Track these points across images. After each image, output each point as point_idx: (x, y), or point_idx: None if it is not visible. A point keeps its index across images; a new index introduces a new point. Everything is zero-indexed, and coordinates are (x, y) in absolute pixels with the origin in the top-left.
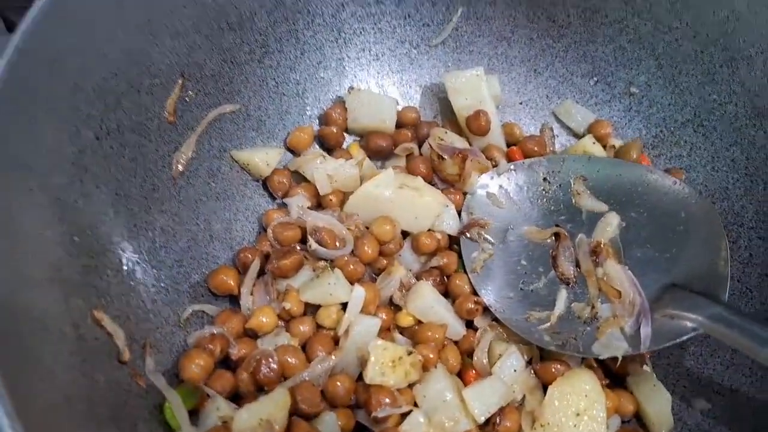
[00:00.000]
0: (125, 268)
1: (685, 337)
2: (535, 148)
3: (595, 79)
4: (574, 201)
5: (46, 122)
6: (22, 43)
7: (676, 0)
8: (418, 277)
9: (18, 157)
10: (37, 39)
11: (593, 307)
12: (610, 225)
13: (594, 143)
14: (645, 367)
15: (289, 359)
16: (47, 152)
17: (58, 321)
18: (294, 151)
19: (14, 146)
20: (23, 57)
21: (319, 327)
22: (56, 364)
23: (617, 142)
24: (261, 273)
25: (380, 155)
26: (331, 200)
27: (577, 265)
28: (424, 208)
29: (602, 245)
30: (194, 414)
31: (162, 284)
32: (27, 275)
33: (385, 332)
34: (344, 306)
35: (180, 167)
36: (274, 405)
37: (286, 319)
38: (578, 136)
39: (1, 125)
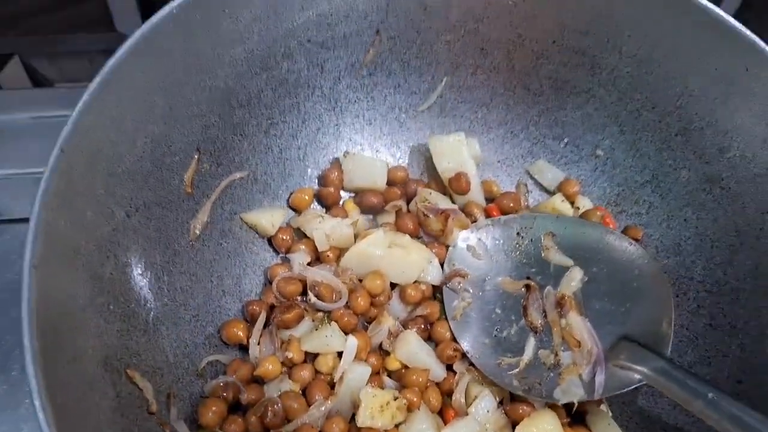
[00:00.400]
0: (151, 327)
1: (632, 387)
2: (511, 204)
3: (565, 141)
4: (543, 255)
5: (87, 208)
6: (63, 142)
7: (638, 74)
8: (404, 325)
9: (66, 241)
10: (77, 136)
11: (556, 354)
12: (575, 279)
13: (563, 201)
14: (602, 406)
15: (291, 404)
16: (88, 235)
17: (101, 383)
18: (296, 210)
19: (64, 233)
20: (65, 154)
21: (317, 373)
22: (101, 421)
23: (584, 202)
24: (266, 323)
25: (372, 211)
26: (328, 256)
27: (545, 314)
28: (410, 264)
29: (566, 297)
30: None
31: (182, 339)
32: (76, 345)
33: (375, 376)
34: (340, 354)
35: (197, 231)
36: None
37: (289, 366)
38: (549, 193)
39: (52, 216)
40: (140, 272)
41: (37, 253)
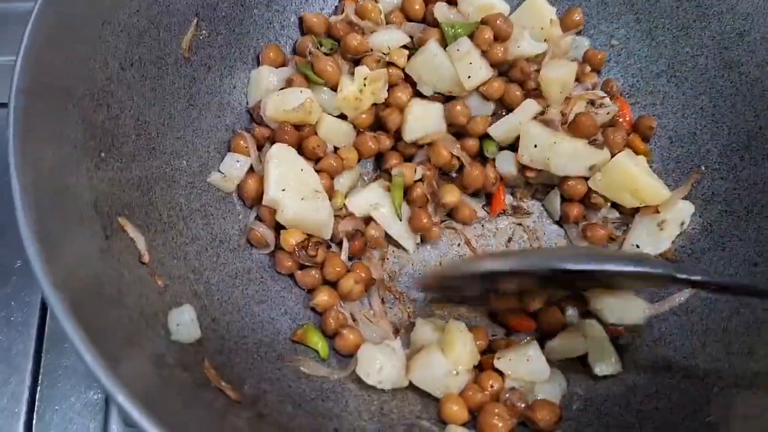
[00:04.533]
0: (144, 184)
1: None
2: None
3: (580, 31)
4: None
5: (79, 51)
6: None
7: None
8: None
9: (56, 79)
10: None
11: None
12: None
13: None
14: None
15: None
16: (80, 78)
17: (90, 222)
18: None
19: (53, 70)
20: None
21: None
22: (90, 254)
23: None
24: None
25: None
26: None
27: None
28: None
29: None
30: None
31: (176, 201)
32: (66, 180)
33: None
34: None
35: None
36: None
37: None
38: None
39: (41, 52)
40: (134, 128)
41: (24, 82)
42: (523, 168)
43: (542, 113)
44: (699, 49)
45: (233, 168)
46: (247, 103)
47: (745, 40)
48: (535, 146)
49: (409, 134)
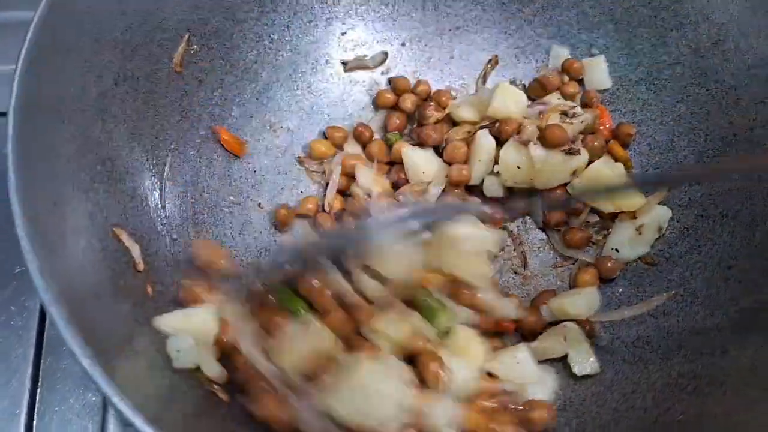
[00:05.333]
0: (139, 195)
1: None
2: None
3: (560, 40)
4: None
5: (74, 67)
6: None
7: None
8: None
9: (51, 95)
10: None
11: None
12: None
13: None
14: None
15: None
16: (75, 93)
17: (86, 233)
18: None
19: (48, 88)
20: (53, 11)
21: None
22: (86, 264)
23: None
24: None
25: None
26: None
27: None
28: None
29: None
30: None
31: (170, 213)
32: (61, 194)
33: None
34: None
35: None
36: None
37: None
38: None
39: (37, 70)
40: (128, 141)
41: (20, 100)
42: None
43: (518, 132)
44: (676, 57)
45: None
46: None
47: (720, 49)
48: (518, 167)
49: None
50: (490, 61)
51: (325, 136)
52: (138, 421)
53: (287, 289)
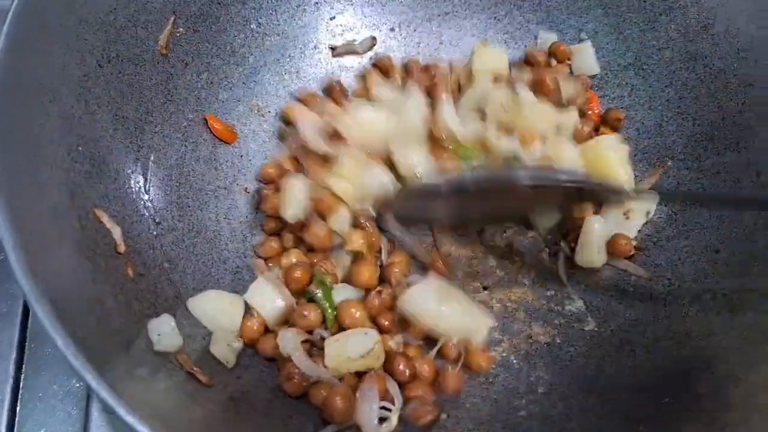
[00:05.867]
0: (122, 177)
1: None
2: None
3: (549, 25)
4: None
5: (56, 48)
6: None
7: None
8: None
9: (33, 76)
10: None
11: None
12: None
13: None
14: None
15: None
16: (57, 74)
17: (66, 214)
18: None
19: (30, 67)
20: None
21: None
22: (64, 246)
23: None
24: None
25: None
26: None
27: None
28: None
29: None
30: None
31: (156, 196)
32: (41, 173)
33: None
34: None
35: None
36: None
37: None
38: None
39: (18, 49)
40: (112, 123)
41: (3, 80)
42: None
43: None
44: (665, 42)
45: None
46: None
47: (709, 33)
48: (503, 107)
49: None
50: None
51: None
52: (121, 410)
53: None
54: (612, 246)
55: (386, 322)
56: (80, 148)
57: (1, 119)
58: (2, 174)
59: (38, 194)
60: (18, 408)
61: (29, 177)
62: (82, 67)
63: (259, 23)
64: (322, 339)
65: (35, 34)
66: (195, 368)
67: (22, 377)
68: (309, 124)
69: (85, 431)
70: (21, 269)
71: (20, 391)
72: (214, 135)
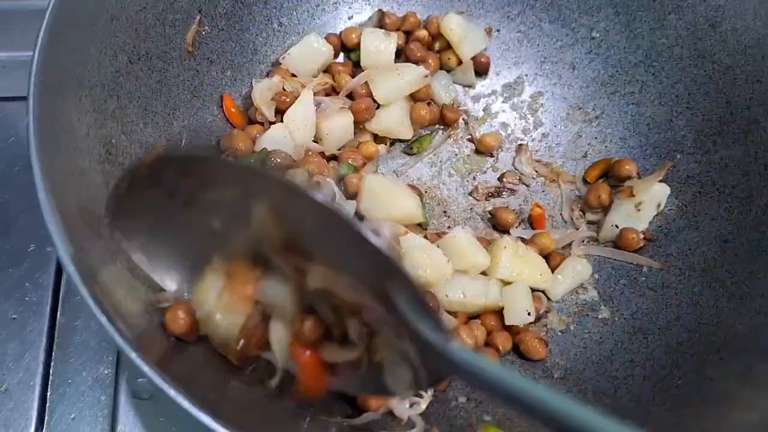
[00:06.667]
0: None
1: None
2: None
3: (561, 24)
4: None
5: (90, 46)
6: None
7: None
8: None
9: (70, 72)
10: None
11: None
12: None
13: None
14: None
15: None
16: (91, 71)
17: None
18: None
19: (67, 63)
20: None
21: None
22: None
23: None
24: None
25: None
26: None
27: None
28: None
29: None
30: None
31: None
32: (79, 165)
33: None
34: None
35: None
36: None
37: None
38: None
39: (56, 47)
40: (142, 117)
41: (41, 75)
42: None
43: None
44: (675, 39)
45: None
46: None
47: (717, 30)
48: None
49: None
50: None
51: None
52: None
53: None
54: (621, 240)
55: None
56: (113, 141)
57: (42, 113)
58: (46, 164)
59: (78, 184)
60: (48, 394)
61: (69, 167)
62: (114, 64)
63: (281, 23)
64: None
65: (71, 32)
66: None
67: (52, 365)
68: None
69: (113, 416)
70: (65, 255)
71: (50, 378)
72: (224, 115)
